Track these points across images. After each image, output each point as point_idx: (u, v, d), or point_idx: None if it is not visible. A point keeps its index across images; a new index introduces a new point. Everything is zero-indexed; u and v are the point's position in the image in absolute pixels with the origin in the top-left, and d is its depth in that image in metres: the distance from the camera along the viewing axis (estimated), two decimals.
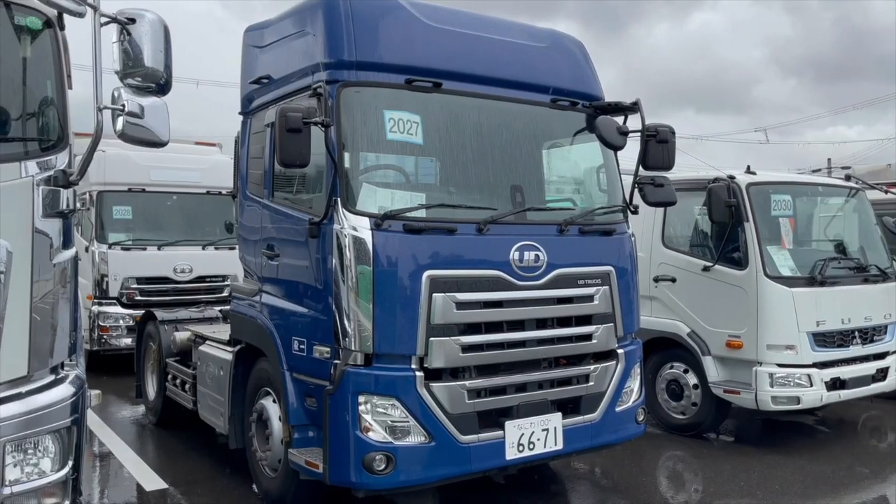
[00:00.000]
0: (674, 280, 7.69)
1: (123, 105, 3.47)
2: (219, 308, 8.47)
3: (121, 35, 3.52)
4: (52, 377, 3.53)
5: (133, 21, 3.52)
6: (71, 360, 3.73)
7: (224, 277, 11.21)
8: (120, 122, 3.49)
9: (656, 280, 7.79)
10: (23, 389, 3.35)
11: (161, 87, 3.66)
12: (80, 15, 3.45)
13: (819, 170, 19.37)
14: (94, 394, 4.01)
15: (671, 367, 7.76)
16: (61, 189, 3.53)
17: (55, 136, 3.62)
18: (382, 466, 4.45)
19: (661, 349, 7.74)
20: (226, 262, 10.93)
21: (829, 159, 29.14)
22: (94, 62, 3.38)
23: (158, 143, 3.62)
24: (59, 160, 3.57)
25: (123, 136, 3.53)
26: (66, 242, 3.64)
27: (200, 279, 11.25)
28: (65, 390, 3.50)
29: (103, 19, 3.46)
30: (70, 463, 3.47)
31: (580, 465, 6.66)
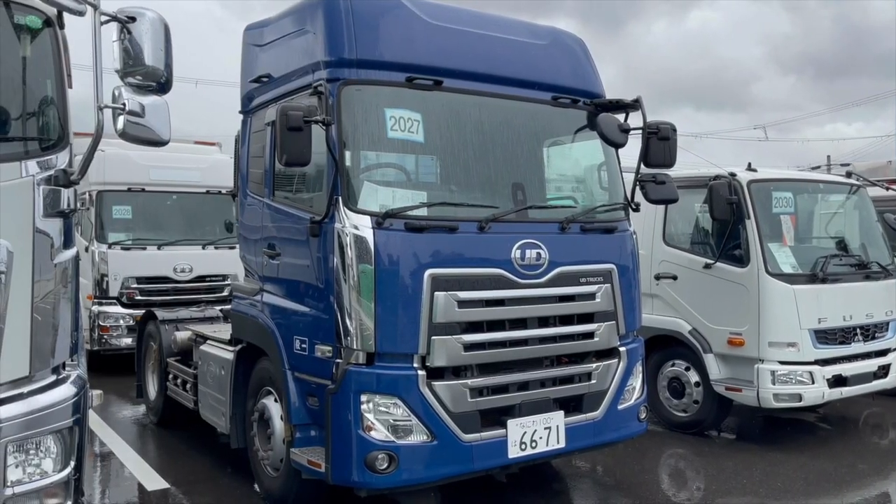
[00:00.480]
0: (675, 278, 7.68)
1: (124, 104, 3.46)
2: (219, 307, 8.47)
3: (121, 33, 3.51)
4: (53, 377, 3.51)
5: (133, 19, 3.50)
6: (72, 360, 3.72)
7: (224, 277, 11.21)
8: (121, 121, 3.48)
9: (657, 278, 7.79)
10: (24, 390, 3.34)
11: (162, 85, 3.64)
12: (81, 13, 3.43)
13: (818, 167, 19.39)
14: (95, 394, 4.00)
15: (672, 365, 7.75)
16: (62, 188, 3.51)
17: (55, 135, 3.60)
18: (385, 465, 4.44)
19: (663, 347, 7.73)
20: (226, 262, 10.93)
21: (828, 156, 29.25)
22: (94, 61, 3.36)
23: (159, 142, 3.60)
24: (60, 159, 3.55)
25: (124, 135, 3.51)
26: (67, 242, 3.62)
27: (200, 279, 11.24)
28: (66, 390, 3.48)
29: (103, 18, 3.44)
30: (72, 463, 3.45)
31: (582, 463, 6.66)
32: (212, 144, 13.19)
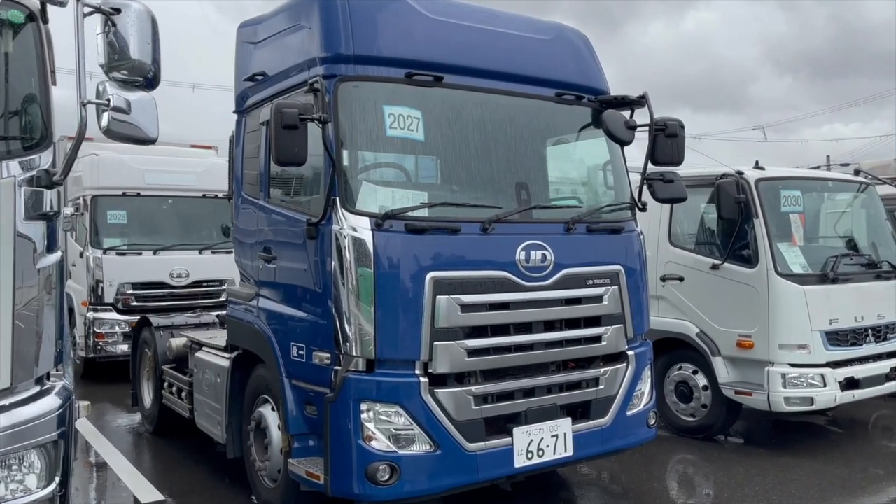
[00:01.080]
0: (681, 279, 7.52)
1: (108, 100, 3.29)
2: (216, 313, 8.30)
3: (105, 26, 3.33)
4: (37, 388, 3.35)
5: (118, 11, 3.33)
6: (57, 370, 3.55)
7: (221, 282, 11.03)
8: (105, 117, 3.30)
9: (663, 279, 7.62)
10: (6, 402, 3.18)
11: (149, 81, 3.47)
12: (62, 4, 3.27)
13: (818, 167, 19.27)
14: (82, 405, 3.83)
15: (680, 368, 7.59)
16: (45, 190, 3.34)
17: (38, 134, 3.44)
18: (386, 477, 4.27)
19: (670, 350, 7.57)
20: (223, 267, 10.75)
21: (827, 156, 29.09)
22: (76, 55, 3.20)
23: (146, 140, 3.43)
24: (43, 159, 3.39)
25: (109, 132, 3.34)
26: (51, 246, 3.45)
27: (197, 284, 11.07)
28: (51, 402, 3.32)
29: (86, 9, 3.27)
30: (57, 479, 3.29)
31: (588, 469, 6.49)
32: (208, 148, 13.04)
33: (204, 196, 11.36)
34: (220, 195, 11.11)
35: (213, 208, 11.42)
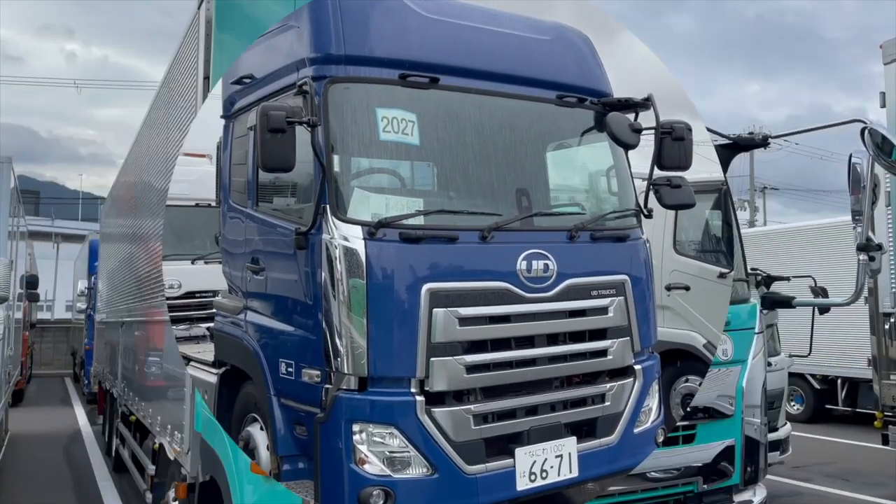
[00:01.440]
0: (687, 288, 7.29)
1: None
2: (206, 325, 8.06)
3: None
4: None
5: None
6: None
7: (215, 293, 10.74)
8: None
9: (668, 288, 7.39)
10: None
11: None
12: None
13: None
14: None
15: (686, 381, 7.34)
16: None
17: None
18: (380, 502, 4.00)
19: (676, 362, 7.32)
20: (217, 277, 10.45)
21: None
22: None
23: None
24: None
25: None
26: None
27: (190, 295, 10.78)
28: None
29: None
30: None
31: (593, 487, 6.21)
32: (201, 156, 12.77)
33: (197, 205, 11.08)
34: (212, 204, 10.86)
35: (206, 217, 11.10)
